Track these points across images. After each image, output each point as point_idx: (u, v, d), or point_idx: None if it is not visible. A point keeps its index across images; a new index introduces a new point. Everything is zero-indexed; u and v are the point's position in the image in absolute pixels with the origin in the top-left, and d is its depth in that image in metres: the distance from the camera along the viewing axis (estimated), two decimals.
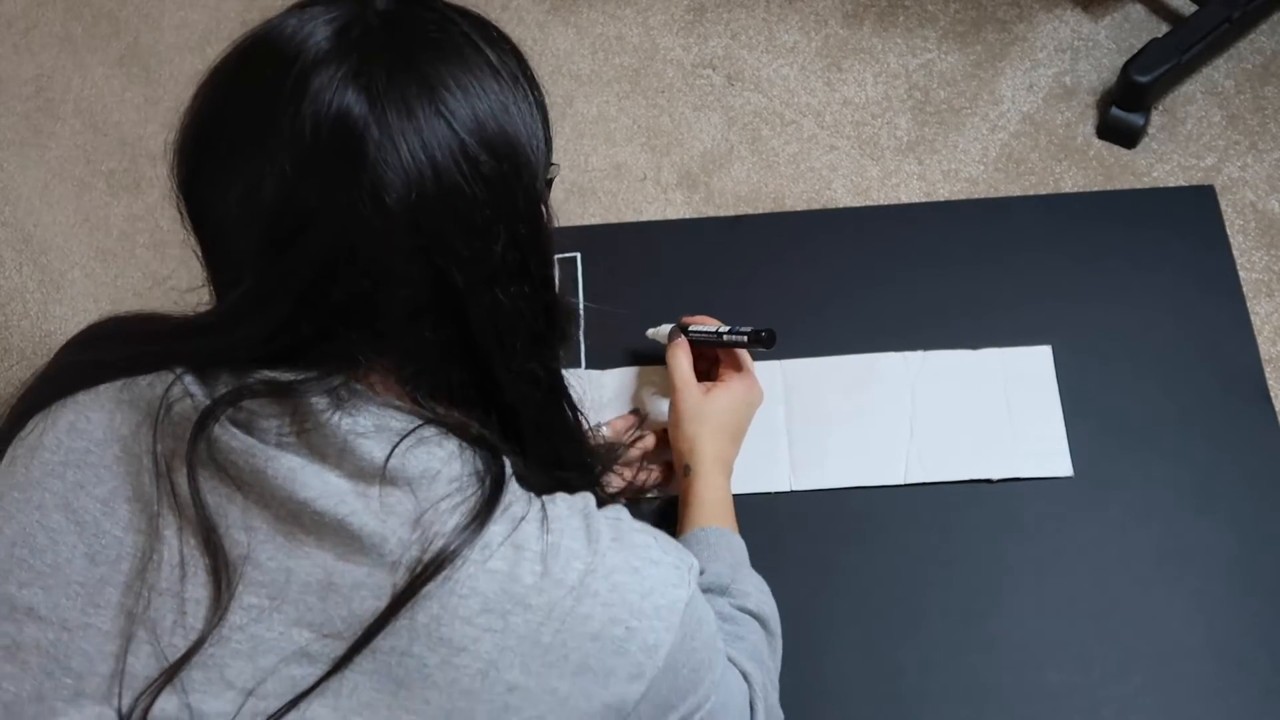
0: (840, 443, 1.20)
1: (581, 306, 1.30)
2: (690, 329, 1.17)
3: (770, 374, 1.23)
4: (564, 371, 1.18)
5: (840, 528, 1.16)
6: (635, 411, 1.22)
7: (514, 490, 0.72)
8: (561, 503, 0.74)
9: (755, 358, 1.19)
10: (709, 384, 1.14)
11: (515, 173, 0.70)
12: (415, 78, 0.67)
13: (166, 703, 0.67)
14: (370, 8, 0.70)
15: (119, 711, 0.67)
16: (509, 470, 0.73)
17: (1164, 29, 1.45)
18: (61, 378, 0.76)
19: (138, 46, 1.58)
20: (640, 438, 1.18)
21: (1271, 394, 1.20)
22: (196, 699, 0.67)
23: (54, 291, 1.41)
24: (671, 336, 1.18)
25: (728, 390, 1.13)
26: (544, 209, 0.75)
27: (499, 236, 0.69)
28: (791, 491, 1.17)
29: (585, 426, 0.88)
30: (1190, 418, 1.19)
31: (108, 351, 0.76)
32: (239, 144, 0.68)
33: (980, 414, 1.20)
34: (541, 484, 0.76)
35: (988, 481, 1.17)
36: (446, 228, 0.67)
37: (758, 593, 0.99)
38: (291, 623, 0.67)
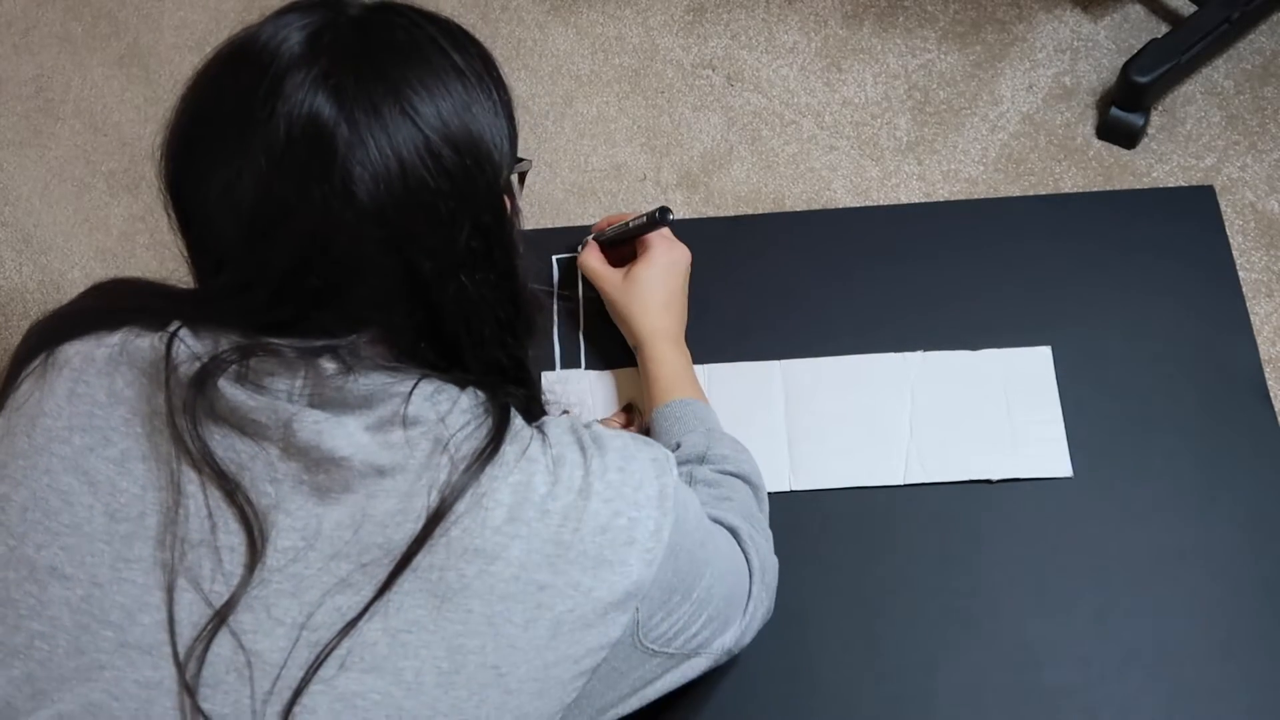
0: (840, 443, 1.20)
1: (582, 306, 1.30)
2: (604, 233, 1.23)
3: (770, 374, 1.23)
4: (565, 372, 1.19)
5: (840, 528, 1.16)
6: (628, 408, 1.23)
7: (516, 417, 0.78)
8: (553, 424, 0.81)
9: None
10: (629, 265, 1.19)
11: (478, 166, 0.75)
12: (382, 79, 0.72)
13: (220, 646, 0.70)
14: (343, 14, 0.75)
15: (175, 659, 0.70)
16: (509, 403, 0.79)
17: (1164, 29, 1.45)
18: (60, 324, 0.79)
19: (138, 46, 1.58)
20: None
21: (1271, 394, 1.20)
22: (249, 640, 0.70)
23: (54, 291, 1.41)
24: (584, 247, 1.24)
25: (644, 262, 1.18)
26: (507, 201, 0.79)
27: (463, 226, 0.74)
28: (791, 491, 1.17)
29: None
30: (1190, 418, 1.19)
31: (106, 301, 0.81)
32: (219, 144, 0.72)
33: (980, 414, 1.20)
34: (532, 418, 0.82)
35: (988, 481, 1.17)
36: (413, 219, 0.72)
37: (735, 453, 1.05)
38: (329, 558, 0.71)
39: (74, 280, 1.42)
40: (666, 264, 1.18)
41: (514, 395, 0.80)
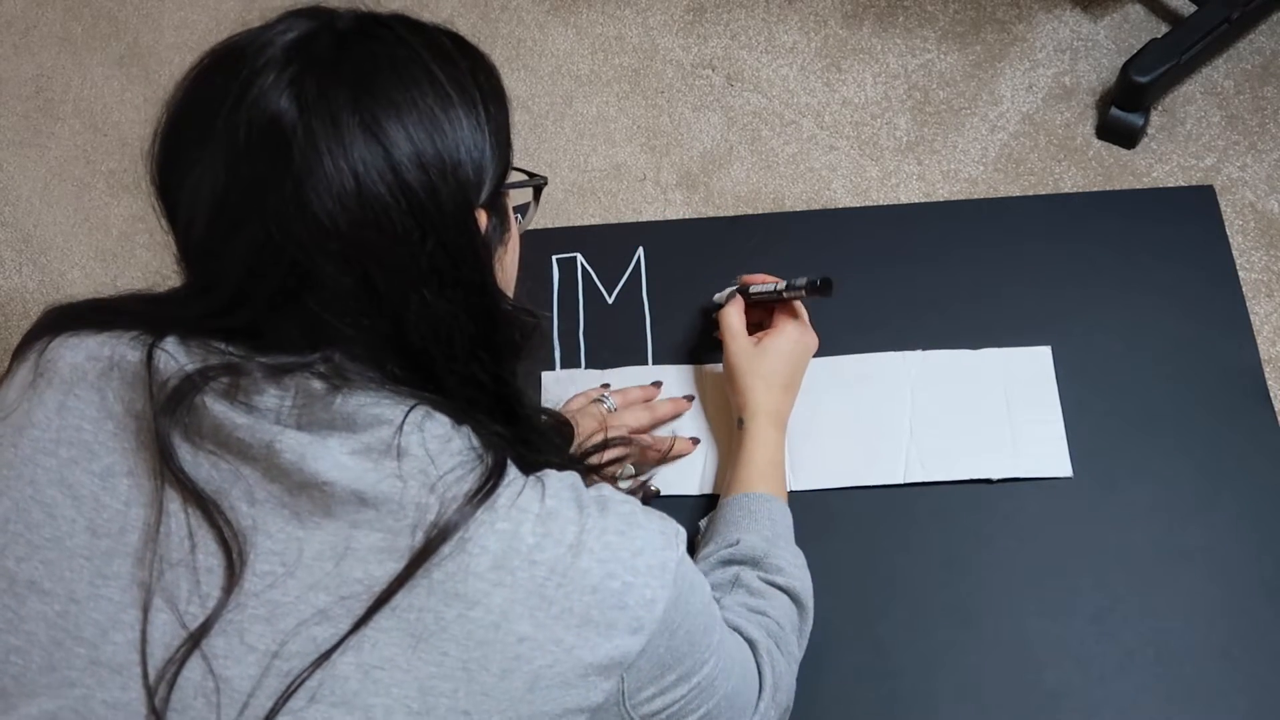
0: (840, 443, 1.20)
1: (582, 306, 1.30)
2: (750, 289, 1.19)
3: None
4: (565, 372, 1.16)
5: (840, 528, 1.16)
6: (657, 383, 1.23)
7: (511, 465, 0.76)
8: (553, 476, 0.78)
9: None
10: (761, 334, 1.16)
11: (445, 183, 0.72)
12: (347, 90, 0.70)
13: (191, 670, 0.69)
14: (331, 25, 0.74)
15: (145, 680, 0.69)
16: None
17: (1163, 29, 1.45)
18: (58, 317, 0.80)
19: (138, 46, 1.58)
20: (622, 445, 1.17)
21: (1271, 394, 1.20)
22: (219, 665, 0.69)
23: (54, 291, 1.42)
24: (730, 297, 1.19)
25: (778, 337, 1.15)
26: (483, 216, 0.76)
27: (424, 243, 0.72)
28: (792, 491, 1.17)
29: (558, 439, 0.92)
30: (1190, 418, 1.19)
31: (89, 307, 0.82)
32: (193, 143, 0.73)
33: (980, 414, 1.20)
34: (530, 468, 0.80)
35: (987, 481, 1.17)
36: (368, 235, 0.70)
37: (792, 568, 1.01)
38: (307, 587, 0.70)
39: (74, 280, 1.42)
40: (799, 344, 1.15)
41: (503, 436, 0.78)
